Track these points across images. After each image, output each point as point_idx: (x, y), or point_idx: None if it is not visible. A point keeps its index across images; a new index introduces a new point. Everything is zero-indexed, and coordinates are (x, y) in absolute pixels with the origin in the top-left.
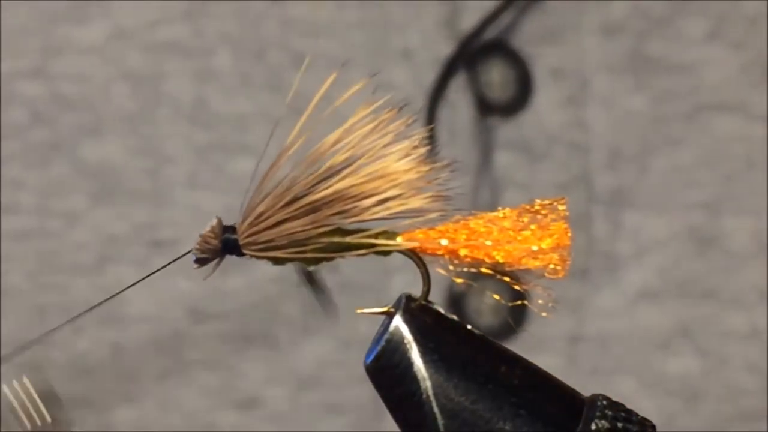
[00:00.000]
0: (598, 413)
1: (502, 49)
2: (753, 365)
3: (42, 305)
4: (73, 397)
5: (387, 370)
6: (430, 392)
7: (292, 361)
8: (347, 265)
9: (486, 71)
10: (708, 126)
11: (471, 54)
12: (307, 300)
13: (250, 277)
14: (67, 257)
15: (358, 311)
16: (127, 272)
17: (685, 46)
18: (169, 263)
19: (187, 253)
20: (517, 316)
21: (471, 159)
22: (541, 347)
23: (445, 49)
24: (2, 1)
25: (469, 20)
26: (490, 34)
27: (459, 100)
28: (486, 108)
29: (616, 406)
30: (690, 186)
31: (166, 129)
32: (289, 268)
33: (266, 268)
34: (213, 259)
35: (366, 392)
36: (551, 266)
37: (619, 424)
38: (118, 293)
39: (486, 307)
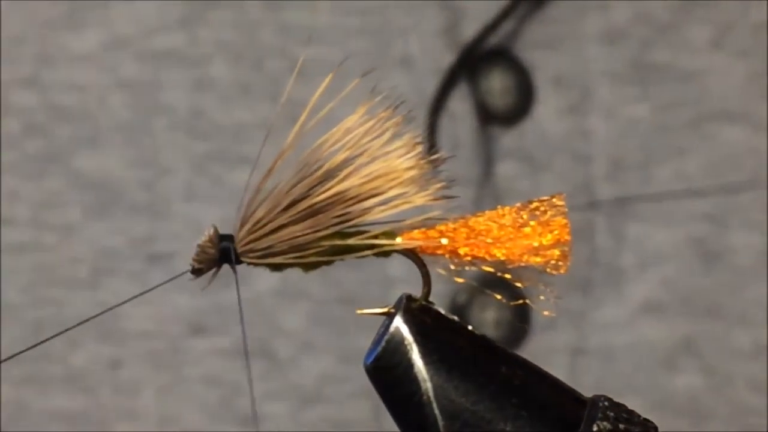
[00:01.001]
0: (599, 414)
1: (503, 57)
2: (758, 383)
3: (38, 320)
4: (71, 413)
5: (387, 371)
6: (431, 393)
7: (292, 376)
8: (347, 278)
9: (487, 79)
10: (712, 135)
11: (472, 62)
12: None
13: (249, 291)
14: (63, 271)
15: (358, 312)
16: (124, 287)
17: (690, 53)
18: (170, 280)
19: (186, 272)
20: (519, 329)
21: (472, 169)
22: (543, 361)
23: (446, 57)
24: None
25: (470, 28)
26: (492, 41)
27: (460, 109)
28: (487, 117)
29: (618, 407)
30: (694, 196)
31: (163, 139)
32: (289, 282)
33: (265, 282)
34: (210, 269)
35: (367, 407)
36: (552, 262)
37: (621, 425)
38: (116, 306)
39: (488, 320)
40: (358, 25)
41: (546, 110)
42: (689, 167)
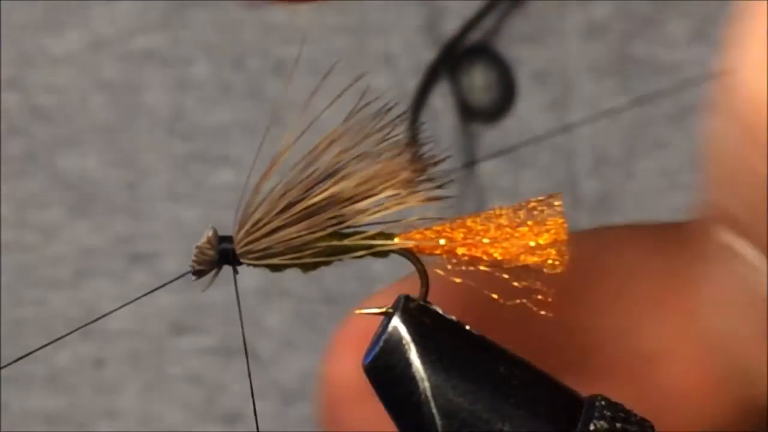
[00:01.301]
0: (596, 414)
1: (484, 53)
2: None
3: (19, 319)
4: (53, 412)
5: (385, 371)
6: (429, 393)
7: (275, 374)
8: (329, 276)
9: (469, 76)
10: (694, 128)
11: (453, 59)
12: None
13: (231, 290)
14: (45, 271)
15: (357, 312)
16: (105, 286)
17: (670, 47)
18: (169, 281)
19: (186, 273)
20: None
21: (455, 166)
22: None
23: (427, 54)
24: None
25: (450, 24)
26: (473, 38)
27: (442, 106)
28: (469, 114)
29: (615, 407)
30: (676, 190)
31: (144, 140)
32: (271, 281)
33: (248, 281)
34: (210, 270)
35: None
36: (549, 261)
37: (618, 425)
38: (112, 311)
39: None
40: (339, 23)
41: (528, 106)
42: (671, 161)
